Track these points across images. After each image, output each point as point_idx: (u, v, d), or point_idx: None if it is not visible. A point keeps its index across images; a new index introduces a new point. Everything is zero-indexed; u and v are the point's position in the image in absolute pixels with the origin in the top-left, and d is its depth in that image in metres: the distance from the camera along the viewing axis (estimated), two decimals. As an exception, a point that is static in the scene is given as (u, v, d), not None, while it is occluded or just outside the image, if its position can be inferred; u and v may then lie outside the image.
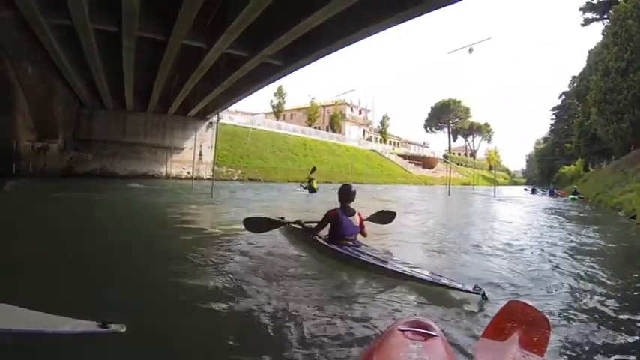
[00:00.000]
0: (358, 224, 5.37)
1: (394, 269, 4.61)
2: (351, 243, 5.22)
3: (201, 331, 3.09)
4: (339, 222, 5.26)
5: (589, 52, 43.14)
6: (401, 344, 1.93)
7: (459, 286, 4.19)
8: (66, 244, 6.08)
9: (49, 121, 22.46)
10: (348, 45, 13.91)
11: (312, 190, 20.96)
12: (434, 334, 2.01)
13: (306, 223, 5.92)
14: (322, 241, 5.39)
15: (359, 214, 5.44)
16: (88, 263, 4.92)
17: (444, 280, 4.37)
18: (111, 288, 4.00)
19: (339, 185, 5.81)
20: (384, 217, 6.57)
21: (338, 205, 5.39)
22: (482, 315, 3.43)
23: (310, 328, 3.12)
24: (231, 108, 39.22)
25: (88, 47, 14.79)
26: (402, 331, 2.03)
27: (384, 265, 4.68)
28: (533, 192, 37.76)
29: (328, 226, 5.38)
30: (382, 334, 2.18)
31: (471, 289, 4.00)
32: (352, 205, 5.43)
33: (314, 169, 24.53)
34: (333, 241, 5.24)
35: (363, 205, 7.81)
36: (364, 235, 5.55)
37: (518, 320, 2.22)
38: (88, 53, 15.49)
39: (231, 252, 5.58)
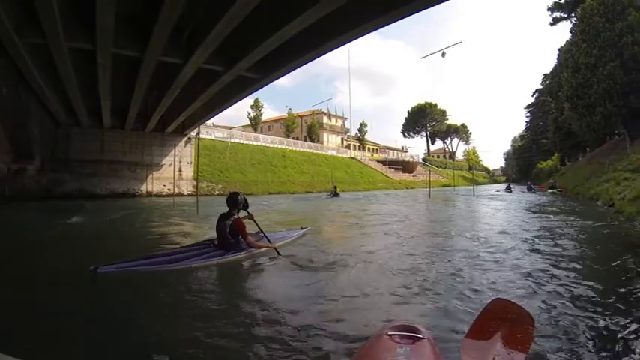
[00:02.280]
0: (228, 229, 6.06)
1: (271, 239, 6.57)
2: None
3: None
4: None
5: (559, 49, 44.11)
6: (389, 348, 1.98)
7: (295, 235, 7.40)
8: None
9: (25, 141, 22.00)
10: (324, 54, 14.08)
11: (335, 195, 29.72)
12: (421, 337, 2.07)
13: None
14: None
15: (235, 221, 6.11)
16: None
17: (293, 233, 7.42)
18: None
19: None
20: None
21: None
22: (468, 314, 3.48)
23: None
24: (209, 122, 39.02)
25: (63, 66, 14.66)
26: (390, 335, 2.08)
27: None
28: (508, 190, 36.94)
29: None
30: (370, 338, 2.24)
31: (300, 229, 7.23)
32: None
33: (335, 187, 32.19)
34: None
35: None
36: (246, 241, 6.17)
37: (502, 318, 2.28)
38: (64, 72, 15.35)
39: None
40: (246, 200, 6.44)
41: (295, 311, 3.89)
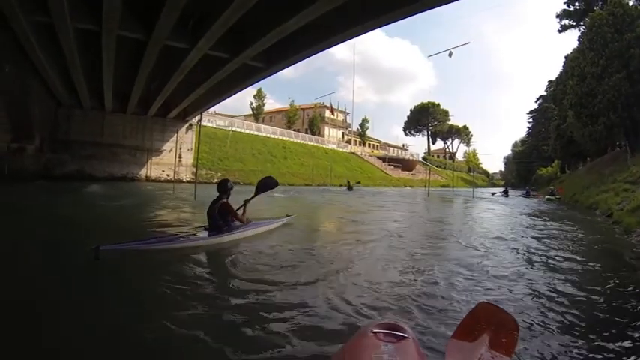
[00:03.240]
0: (217, 211, 6.63)
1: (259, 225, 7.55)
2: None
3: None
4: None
5: (565, 57, 43.78)
6: (373, 346, 1.96)
7: (280, 222, 8.47)
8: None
9: (25, 121, 21.93)
10: (329, 47, 14.13)
11: (350, 189, 34.87)
12: (405, 335, 2.06)
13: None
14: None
15: (222, 203, 6.69)
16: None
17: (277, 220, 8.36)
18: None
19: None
20: (267, 184, 8.16)
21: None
22: (453, 316, 3.49)
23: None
24: (211, 110, 39.03)
25: (68, 46, 14.53)
26: (374, 332, 2.07)
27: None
28: (505, 194, 36.38)
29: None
30: (354, 336, 2.22)
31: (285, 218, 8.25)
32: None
33: (348, 182, 38.19)
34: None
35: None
36: (234, 220, 6.85)
37: (487, 321, 2.26)
38: (67, 52, 15.23)
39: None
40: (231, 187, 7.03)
41: (274, 299, 4.00)
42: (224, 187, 6.81)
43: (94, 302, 3.75)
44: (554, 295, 4.46)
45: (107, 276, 4.63)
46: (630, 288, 4.89)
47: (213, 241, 6.41)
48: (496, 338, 2.14)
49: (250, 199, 7.45)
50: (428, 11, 10.48)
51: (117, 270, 4.87)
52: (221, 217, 6.64)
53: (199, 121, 21.24)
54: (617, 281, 5.22)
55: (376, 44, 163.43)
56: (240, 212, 7.09)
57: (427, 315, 3.62)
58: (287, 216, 9.46)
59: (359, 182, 41.53)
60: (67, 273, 4.70)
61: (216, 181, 31.69)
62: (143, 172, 30.31)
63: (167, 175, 29.74)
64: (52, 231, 7.64)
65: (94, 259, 4.76)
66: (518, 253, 7.01)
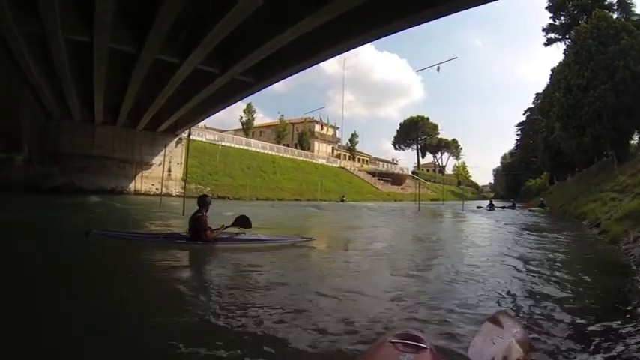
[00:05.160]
0: (193, 223, 7.32)
1: (248, 240, 7.85)
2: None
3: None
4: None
5: (552, 70, 44.53)
6: (391, 356, 1.99)
7: (297, 238, 8.52)
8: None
9: (14, 131, 21.75)
10: (318, 62, 14.27)
11: (342, 201, 40.80)
12: (424, 346, 2.07)
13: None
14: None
15: (198, 217, 7.33)
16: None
17: (284, 239, 8.36)
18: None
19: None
20: (242, 221, 8.31)
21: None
22: (470, 327, 3.45)
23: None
24: (201, 124, 39.00)
25: (59, 57, 14.53)
26: (393, 343, 2.09)
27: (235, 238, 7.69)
28: (491, 208, 33.87)
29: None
30: (373, 345, 2.26)
31: (300, 238, 8.48)
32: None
33: (343, 196, 45.15)
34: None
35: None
36: (205, 235, 7.29)
37: (501, 331, 2.32)
38: (59, 63, 15.22)
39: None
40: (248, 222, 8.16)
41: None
42: (203, 202, 7.53)
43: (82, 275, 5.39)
44: (544, 302, 4.53)
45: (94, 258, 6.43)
46: (617, 295, 4.97)
47: (193, 246, 7.22)
48: (513, 347, 2.17)
49: (227, 227, 7.81)
50: (415, 27, 10.68)
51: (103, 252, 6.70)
52: (197, 228, 7.28)
53: (189, 135, 21.23)
54: (604, 289, 5.31)
55: (366, 58, 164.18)
56: (216, 232, 7.51)
57: (442, 325, 3.63)
58: (302, 237, 9.01)
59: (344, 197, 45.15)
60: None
61: (206, 195, 31.92)
62: (132, 186, 30.16)
63: (156, 189, 29.52)
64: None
65: (85, 237, 6.79)
66: (509, 265, 7.05)
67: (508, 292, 5.10)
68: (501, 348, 2.21)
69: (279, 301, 4.32)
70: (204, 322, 3.56)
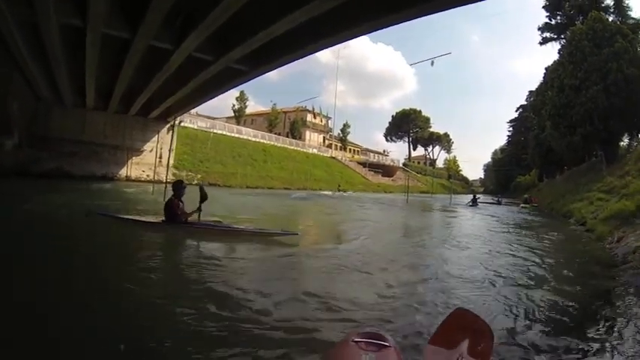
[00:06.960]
0: (166, 209, 8.01)
1: (224, 228, 8.22)
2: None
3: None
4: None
5: (546, 69, 44.70)
6: (354, 355, 2.01)
7: (278, 231, 8.11)
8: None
9: (3, 115, 21.33)
10: (313, 52, 14.14)
11: (339, 191, 41.78)
12: (387, 344, 2.10)
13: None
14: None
15: (170, 199, 8.06)
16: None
17: (265, 230, 8.15)
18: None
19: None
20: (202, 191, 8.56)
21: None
22: (432, 322, 3.48)
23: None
24: (193, 111, 38.70)
25: (51, 41, 14.25)
26: (356, 342, 2.10)
27: (216, 227, 8.15)
28: (474, 203, 31.90)
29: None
30: (336, 345, 2.27)
31: (279, 230, 8.08)
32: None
33: (339, 186, 46.66)
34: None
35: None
36: (178, 218, 7.91)
37: (464, 328, 2.31)
38: (50, 47, 14.95)
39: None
40: (204, 193, 8.18)
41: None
42: (177, 187, 8.21)
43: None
44: (527, 300, 4.60)
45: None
46: (601, 292, 5.06)
47: (166, 228, 7.94)
48: (473, 345, 2.18)
49: (199, 207, 8.08)
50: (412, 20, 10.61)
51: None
52: (169, 211, 7.91)
53: (180, 122, 21.08)
54: (589, 286, 5.40)
55: (360, 49, 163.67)
56: (195, 215, 7.99)
57: (407, 323, 3.66)
58: (284, 230, 8.40)
59: (340, 185, 45.90)
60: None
61: (196, 182, 31.77)
62: (123, 172, 29.93)
63: (147, 175, 29.30)
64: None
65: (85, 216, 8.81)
66: (493, 260, 7.15)
67: (492, 284, 5.19)
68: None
69: (237, 294, 4.36)
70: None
